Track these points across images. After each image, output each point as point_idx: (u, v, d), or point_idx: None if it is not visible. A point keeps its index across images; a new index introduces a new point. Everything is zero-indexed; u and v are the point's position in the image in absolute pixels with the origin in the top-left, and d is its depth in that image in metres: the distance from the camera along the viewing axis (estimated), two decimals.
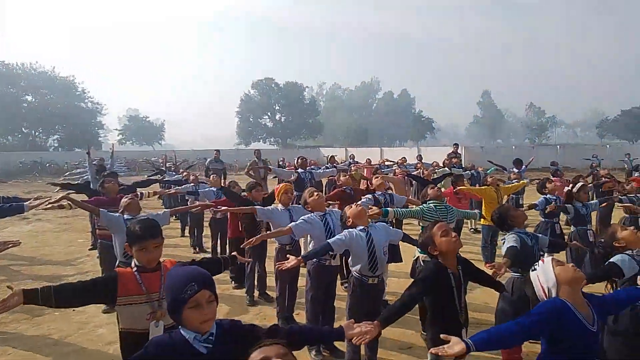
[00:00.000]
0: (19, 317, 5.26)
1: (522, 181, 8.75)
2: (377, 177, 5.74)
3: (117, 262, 4.41)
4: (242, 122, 63.09)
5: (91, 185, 8.30)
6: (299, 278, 4.98)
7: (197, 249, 8.39)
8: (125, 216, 4.40)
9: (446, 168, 11.23)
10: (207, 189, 7.63)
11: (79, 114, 49.57)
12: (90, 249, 8.62)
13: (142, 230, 2.55)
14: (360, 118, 70.32)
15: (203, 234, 8.61)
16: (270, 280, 5.76)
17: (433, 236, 2.87)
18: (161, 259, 2.65)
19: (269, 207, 4.90)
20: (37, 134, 49.52)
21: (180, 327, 1.80)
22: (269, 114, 63.06)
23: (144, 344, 2.49)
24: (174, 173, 11.89)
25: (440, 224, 2.93)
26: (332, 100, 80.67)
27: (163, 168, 13.13)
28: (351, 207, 3.82)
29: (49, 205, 4.49)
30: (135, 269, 2.59)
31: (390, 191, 6.43)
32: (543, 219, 6.08)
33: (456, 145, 15.45)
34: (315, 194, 4.38)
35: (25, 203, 4.07)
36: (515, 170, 10.62)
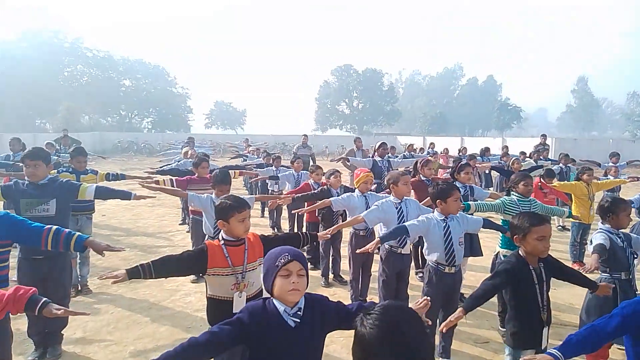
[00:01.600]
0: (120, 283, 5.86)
1: (619, 179, 8.02)
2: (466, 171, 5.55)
3: (206, 237, 4.76)
4: (319, 109, 63.80)
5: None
6: (373, 264, 5.06)
7: (276, 230, 8.75)
8: (213, 197, 4.70)
9: (532, 161, 10.59)
10: (287, 173, 7.91)
11: (170, 98, 53.14)
12: (180, 224, 9.32)
13: (235, 202, 2.78)
14: (440, 105, 67.88)
15: (282, 216, 8.98)
16: (344, 265, 5.89)
17: (528, 232, 2.75)
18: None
19: (344, 196, 4.99)
20: (132, 116, 53.84)
21: (272, 298, 1.94)
22: (346, 100, 63.08)
23: (228, 310, 2.75)
24: (255, 157, 12.42)
25: (545, 227, 2.74)
26: (411, 87, 78.75)
27: (246, 152, 13.75)
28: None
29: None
30: (222, 242, 2.81)
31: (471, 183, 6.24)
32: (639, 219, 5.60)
33: (544, 136, 14.44)
34: (407, 181, 4.38)
35: (133, 192, 4.50)
36: (613, 165, 9.74)
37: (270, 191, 8.96)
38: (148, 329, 4.50)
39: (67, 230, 2.90)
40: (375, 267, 4.65)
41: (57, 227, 2.88)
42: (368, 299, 5.06)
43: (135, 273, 2.56)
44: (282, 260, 1.85)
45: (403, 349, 1.17)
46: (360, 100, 62.30)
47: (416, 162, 6.27)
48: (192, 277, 5.94)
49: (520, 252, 2.84)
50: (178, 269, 2.72)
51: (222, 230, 2.85)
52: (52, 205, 3.81)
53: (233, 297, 2.79)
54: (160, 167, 8.23)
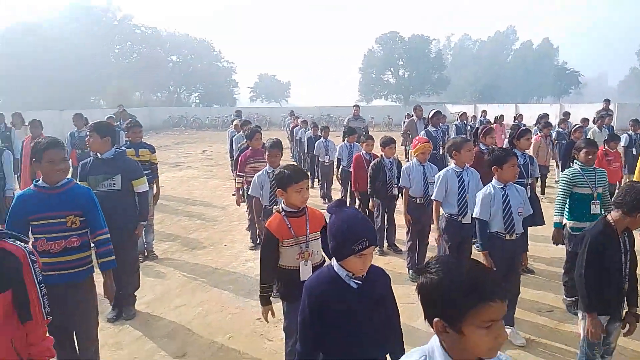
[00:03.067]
0: (181, 249, 6.16)
1: None
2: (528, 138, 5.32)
3: (264, 206, 4.84)
4: (364, 79, 62.69)
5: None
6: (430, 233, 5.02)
7: (326, 200, 8.82)
8: (267, 168, 4.77)
9: (596, 127, 9.98)
10: (340, 144, 7.90)
11: (215, 73, 53.88)
12: (233, 195, 9.57)
13: (294, 173, 2.81)
14: (492, 72, 64.83)
15: (332, 187, 9.05)
16: (399, 234, 5.88)
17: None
18: None
19: (403, 170, 4.97)
20: (181, 91, 55.15)
21: (334, 264, 1.97)
22: (391, 69, 61.52)
23: (296, 278, 2.83)
24: (303, 129, 12.46)
25: None
26: (460, 53, 75.47)
27: (293, 125, 13.82)
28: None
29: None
30: (283, 213, 2.87)
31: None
32: None
33: (607, 101, 13.44)
34: (470, 148, 4.29)
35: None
36: None
37: (320, 162, 8.99)
38: (212, 292, 4.72)
39: (109, 248, 3.03)
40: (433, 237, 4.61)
41: (107, 237, 3.01)
42: None
43: (266, 299, 2.91)
44: (360, 247, 1.86)
45: (469, 286, 1.16)
46: (406, 68, 60.55)
47: (476, 130, 6.07)
48: (250, 244, 6.13)
49: (609, 220, 2.73)
50: (274, 263, 2.88)
51: (282, 201, 2.92)
52: (118, 180, 3.99)
53: (299, 266, 2.86)
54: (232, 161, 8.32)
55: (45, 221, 2.73)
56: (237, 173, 5.95)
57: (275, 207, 4.58)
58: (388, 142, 5.59)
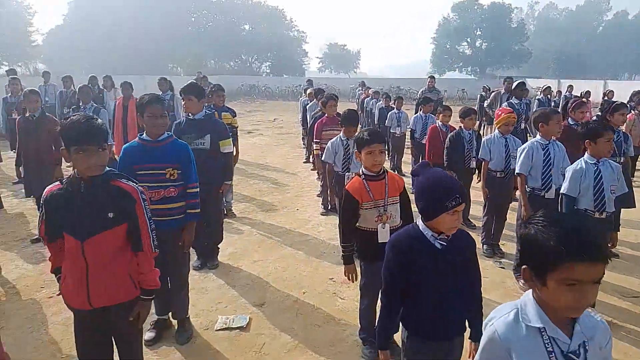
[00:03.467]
0: (256, 209, 6.47)
1: None
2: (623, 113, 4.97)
3: (336, 172, 4.94)
4: (437, 49, 60.20)
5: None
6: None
7: (396, 172, 8.80)
8: (342, 135, 4.83)
9: None
10: (415, 115, 7.79)
11: (286, 42, 54.16)
12: (304, 162, 9.81)
13: (370, 135, 2.88)
14: (578, 44, 59.69)
15: (402, 159, 9.00)
16: (474, 210, 5.76)
17: None
18: None
19: (483, 142, 4.84)
20: (252, 60, 56.19)
21: (418, 224, 2.02)
22: (468, 39, 58.42)
23: (374, 240, 2.92)
24: (374, 100, 12.34)
25: None
26: (544, 24, 70.00)
27: (364, 96, 13.71)
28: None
29: None
30: (363, 177, 2.95)
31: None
32: None
33: None
34: (559, 120, 4.11)
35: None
36: None
37: (392, 134, 8.93)
38: (287, 250, 4.97)
39: (197, 202, 3.24)
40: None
41: (197, 191, 3.23)
42: (501, 245, 4.96)
43: (349, 258, 3.00)
44: (453, 203, 1.88)
45: (560, 240, 1.16)
46: (484, 39, 57.23)
47: (566, 104, 5.73)
48: (322, 209, 6.31)
49: None
50: (353, 224, 2.97)
51: (361, 165, 3.00)
52: (207, 140, 4.24)
53: (377, 229, 2.94)
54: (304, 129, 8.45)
55: (147, 171, 3.01)
56: (314, 140, 6.09)
57: (347, 173, 4.69)
58: (468, 113, 5.44)
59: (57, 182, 2.15)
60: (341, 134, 4.84)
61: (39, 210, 5.14)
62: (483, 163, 4.87)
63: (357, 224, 3.03)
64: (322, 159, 5.05)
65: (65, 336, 3.25)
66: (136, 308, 2.24)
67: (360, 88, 16.44)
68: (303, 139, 11.68)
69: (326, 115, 6.12)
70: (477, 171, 5.39)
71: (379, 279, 2.96)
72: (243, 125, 16.72)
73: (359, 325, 3.20)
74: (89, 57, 42.28)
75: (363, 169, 2.95)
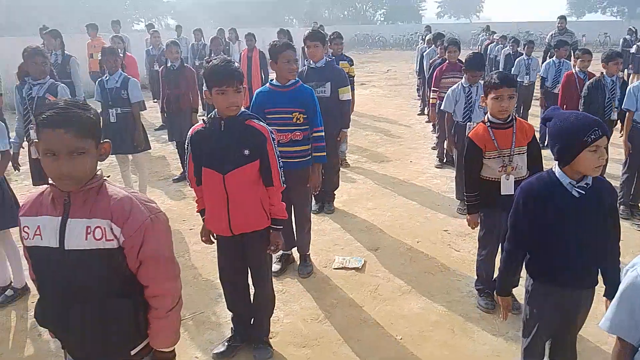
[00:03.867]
0: (369, 160, 6.55)
1: None
2: None
3: (455, 122, 4.72)
4: None
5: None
6: None
7: None
8: (463, 82, 4.58)
9: None
10: (547, 62, 7.08)
11: None
12: (418, 114, 9.57)
13: (498, 78, 2.74)
14: None
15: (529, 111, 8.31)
16: (613, 168, 5.19)
17: None
18: None
19: (628, 89, 4.29)
20: (367, 8, 54.64)
21: (555, 170, 1.90)
22: None
23: (496, 190, 2.82)
24: (500, 45, 11.37)
25: None
26: None
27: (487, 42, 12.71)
28: None
29: None
30: (488, 124, 2.82)
31: None
32: None
33: None
34: None
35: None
36: None
37: (519, 83, 8.21)
38: (400, 200, 5.01)
39: (323, 145, 3.37)
40: None
41: (322, 134, 3.35)
42: None
43: (473, 207, 2.98)
44: (593, 137, 1.74)
45: None
46: None
47: None
48: (437, 162, 6.18)
49: None
50: (477, 173, 2.91)
51: (485, 110, 2.87)
52: (327, 87, 4.33)
53: (501, 179, 2.83)
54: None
55: (276, 115, 3.21)
56: (432, 88, 5.89)
57: (468, 123, 4.47)
58: (612, 56, 4.78)
59: (201, 122, 2.41)
60: (463, 80, 4.59)
61: (179, 153, 5.83)
62: (627, 114, 4.32)
63: (481, 173, 2.95)
64: (441, 108, 4.86)
65: (204, 263, 3.72)
66: (271, 238, 2.50)
67: (484, 33, 15.23)
68: (418, 89, 11.30)
69: (447, 61, 5.85)
70: (618, 123, 4.80)
71: (498, 230, 2.91)
72: (357, 76, 16.62)
73: (475, 277, 3.18)
74: (214, 12, 44.62)
75: (489, 116, 2.83)
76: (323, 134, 3.38)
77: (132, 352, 1.51)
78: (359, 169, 6.18)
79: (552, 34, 10.21)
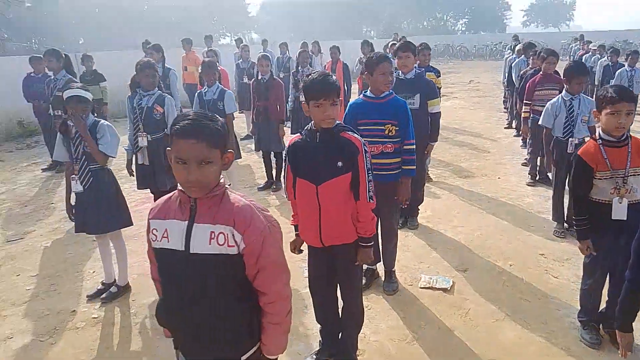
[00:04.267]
0: (453, 175, 6.32)
1: None
2: None
3: (554, 137, 4.38)
4: None
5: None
6: None
7: None
8: (564, 95, 4.26)
9: None
10: None
11: None
12: (505, 127, 9.11)
13: (617, 92, 2.52)
14: None
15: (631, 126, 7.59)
16: None
17: None
18: None
19: None
20: (447, 18, 53.50)
21: None
22: None
23: (606, 213, 2.58)
24: (598, 56, 10.58)
25: None
26: None
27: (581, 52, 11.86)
28: None
29: None
30: (600, 142, 2.59)
31: None
32: None
33: None
34: None
35: None
36: None
37: None
38: (489, 219, 4.77)
39: (413, 158, 3.28)
40: None
41: (413, 148, 3.25)
42: None
43: (583, 233, 2.72)
44: None
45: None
46: None
47: None
48: (529, 179, 5.82)
49: None
50: (586, 195, 2.72)
51: (600, 130, 2.63)
52: (417, 100, 4.23)
53: (612, 202, 2.59)
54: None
55: (368, 127, 3.18)
56: (525, 100, 5.57)
57: (570, 139, 4.14)
58: None
59: (298, 134, 2.46)
60: (563, 93, 4.27)
61: (264, 162, 6.01)
62: None
63: (589, 195, 2.72)
64: (539, 122, 4.54)
65: (292, 273, 3.76)
66: (359, 256, 2.47)
67: (578, 43, 14.25)
68: (504, 101, 10.81)
69: (542, 72, 5.51)
70: None
71: (608, 257, 2.65)
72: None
73: (578, 307, 2.92)
74: (295, 26, 46.08)
75: (601, 132, 2.60)
76: (414, 147, 3.30)
77: (243, 358, 1.55)
78: (443, 183, 5.98)
79: None
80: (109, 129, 3.30)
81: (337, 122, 2.36)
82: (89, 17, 32.22)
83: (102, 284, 3.63)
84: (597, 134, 2.64)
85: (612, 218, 2.59)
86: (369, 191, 2.39)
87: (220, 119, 1.50)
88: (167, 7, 36.70)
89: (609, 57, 9.27)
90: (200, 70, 4.83)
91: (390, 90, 3.23)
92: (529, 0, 57.96)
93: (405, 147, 3.26)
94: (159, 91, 4.02)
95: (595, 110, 2.66)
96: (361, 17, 48.72)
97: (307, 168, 2.37)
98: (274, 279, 1.53)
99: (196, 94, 4.89)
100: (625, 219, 2.56)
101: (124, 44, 28.34)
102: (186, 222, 1.47)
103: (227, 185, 1.54)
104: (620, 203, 2.60)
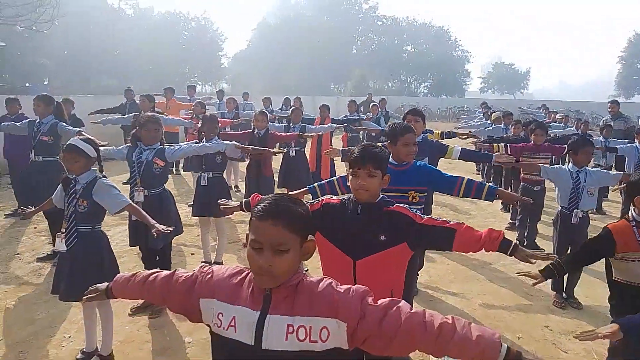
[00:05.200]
0: None
1: None
2: None
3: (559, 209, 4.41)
4: (625, 69, 52.59)
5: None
6: None
7: None
8: (570, 167, 4.32)
9: None
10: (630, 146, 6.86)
11: (448, 62, 53.06)
12: None
13: None
14: None
15: None
16: None
17: None
18: None
19: None
20: (411, 81, 56.28)
21: None
22: None
23: (635, 296, 2.55)
24: (562, 125, 11.24)
25: None
26: None
27: (548, 120, 12.60)
28: None
29: None
30: (633, 223, 2.60)
31: None
32: None
33: None
34: None
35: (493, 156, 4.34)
36: None
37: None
38: (488, 286, 4.70)
39: (478, 182, 3.14)
40: None
41: (468, 178, 3.15)
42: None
43: (550, 272, 2.83)
44: None
45: None
46: None
47: None
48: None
49: None
50: (587, 261, 2.81)
51: (633, 208, 2.65)
52: (425, 162, 4.24)
53: None
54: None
55: (391, 193, 3.09)
56: (509, 152, 5.72)
57: (575, 210, 4.18)
58: None
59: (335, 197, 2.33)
60: (569, 165, 4.36)
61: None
62: None
63: (615, 276, 2.70)
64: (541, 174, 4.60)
65: None
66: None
67: (543, 111, 15.16)
68: (477, 164, 11.20)
69: (532, 143, 5.74)
70: None
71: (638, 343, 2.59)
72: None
73: None
74: (266, 79, 47.05)
75: (634, 214, 2.61)
76: (467, 179, 3.14)
77: None
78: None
79: (605, 120, 9.63)
80: (107, 188, 3.04)
81: (382, 195, 2.26)
82: (56, 58, 31.67)
83: (82, 352, 3.24)
84: (629, 214, 2.66)
85: None
86: (444, 224, 2.24)
87: (304, 203, 1.37)
88: (140, 54, 36.74)
89: (577, 126, 9.86)
90: (200, 124, 4.69)
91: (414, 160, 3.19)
92: (487, 68, 62.10)
93: (466, 187, 3.08)
94: (159, 144, 3.84)
95: (632, 195, 2.62)
96: (330, 75, 50.44)
97: (344, 239, 2.22)
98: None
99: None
100: None
101: (91, 88, 27.92)
102: (258, 312, 1.29)
103: (305, 271, 1.38)
104: None
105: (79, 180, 3.02)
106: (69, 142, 3.05)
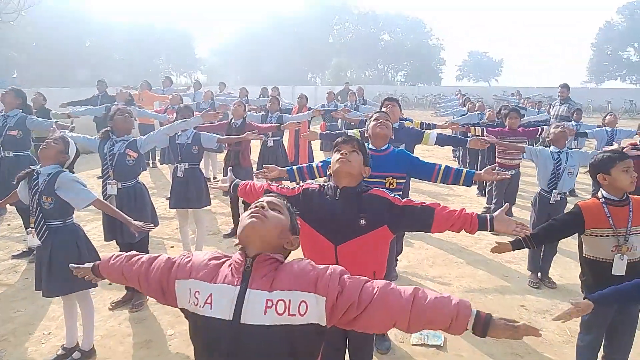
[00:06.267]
0: None
1: None
2: None
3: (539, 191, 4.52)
4: (596, 56, 53.83)
5: None
6: None
7: None
8: (552, 149, 4.43)
9: None
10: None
11: (424, 51, 53.37)
12: None
13: (616, 153, 2.63)
14: None
15: None
16: None
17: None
18: None
19: None
20: (388, 69, 56.44)
21: None
22: (635, 45, 51.28)
23: (605, 271, 2.65)
24: (536, 110, 11.47)
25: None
26: None
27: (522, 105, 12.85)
28: None
29: None
30: (602, 200, 2.68)
31: None
32: None
33: None
34: None
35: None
36: None
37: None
38: (466, 269, 4.80)
39: (455, 168, 3.18)
40: None
41: (446, 165, 3.18)
42: None
43: (518, 243, 2.85)
44: None
45: None
46: None
47: None
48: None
49: None
50: (557, 235, 2.89)
51: (601, 188, 2.72)
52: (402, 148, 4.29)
53: (613, 259, 2.66)
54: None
55: (369, 179, 3.11)
56: (486, 134, 5.84)
57: (554, 191, 4.27)
58: None
59: (313, 183, 2.37)
60: (552, 147, 4.46)
61: (231, 208, 5.77)
62: None
63: (586, 253, 2.78)
64: (524, 155, 4.68)
65: None
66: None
67: (517, 97, 15.42)
68: (454, 151, 11.37)
69: (508, 128, 5.86)
70: None
71: (607, 314, 2.70)
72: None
73: None
74: (242, 70, 46.52)
75: (604, 192, 2.69)
76: (444, 165, 3.21)
77: None
78: (413, 233, 6.01)
79: (553, 104, 9.65)
80: (71, 183, 2.93)
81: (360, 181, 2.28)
82: (24, 51, 30.59)
83: (63, 348, 3.20)
84: (599, 193, 2.74)
85: (612, 273, 2.65)
86: (421, 204, 2.25)
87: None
88: (113, 45, 35.78)
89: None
90: (175, 115, 4.63)
91: (388, 145, 3.21)
92: (462, 57, 62.81)
93: (444, 174, 3.14)
94: (132, 136, 3.77)
95: (601, 174, 2.67)
96: (307, 64, 50.15)
97: (325, 224, 2.23)
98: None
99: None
100: (623, 274, 2.63)
101: (62, 81, 27.09)
102: (238, 287, 1.32)
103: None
104: (622, 260, 2.66)
105: (41, 172, 2.92)
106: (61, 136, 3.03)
